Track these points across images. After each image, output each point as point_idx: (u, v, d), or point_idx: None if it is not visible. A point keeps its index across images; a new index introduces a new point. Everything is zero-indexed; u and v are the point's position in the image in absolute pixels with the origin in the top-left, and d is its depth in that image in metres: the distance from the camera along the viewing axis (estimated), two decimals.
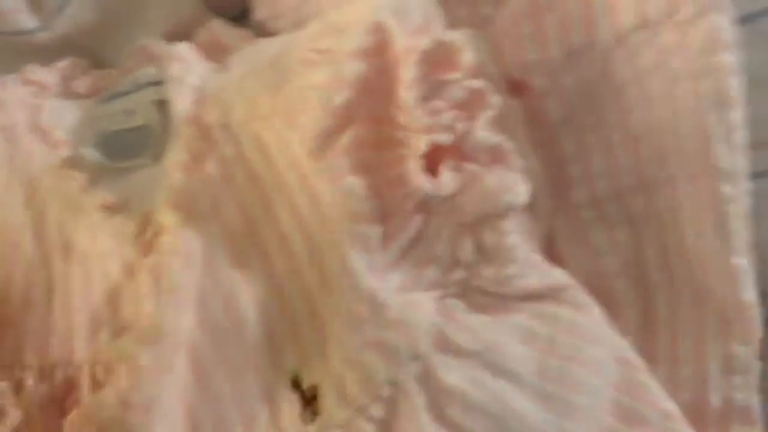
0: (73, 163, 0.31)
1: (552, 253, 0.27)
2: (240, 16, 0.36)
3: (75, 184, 0.30)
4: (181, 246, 0.25)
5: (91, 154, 0.31)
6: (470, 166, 0.23)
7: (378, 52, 0.23)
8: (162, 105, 0.30)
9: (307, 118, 0.24)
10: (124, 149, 0.31)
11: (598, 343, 0.23)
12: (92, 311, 0.27)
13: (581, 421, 0.22)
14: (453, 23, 0.25)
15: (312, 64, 0.25)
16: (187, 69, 0.29)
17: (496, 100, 0.23)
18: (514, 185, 0.23)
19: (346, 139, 0.23)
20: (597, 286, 0.25)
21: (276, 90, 0.26)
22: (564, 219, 0.28)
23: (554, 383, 0.22)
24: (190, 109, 0.28)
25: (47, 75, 0.35)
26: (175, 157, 0.27)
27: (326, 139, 0.23)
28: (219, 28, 0.35)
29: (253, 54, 0.29)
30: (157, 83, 0.31)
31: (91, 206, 0.29)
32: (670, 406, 0.23)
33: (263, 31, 0.33)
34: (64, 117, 0.33)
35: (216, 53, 0.32)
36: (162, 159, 0.29)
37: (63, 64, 0.35)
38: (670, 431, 0.22)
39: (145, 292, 0.24)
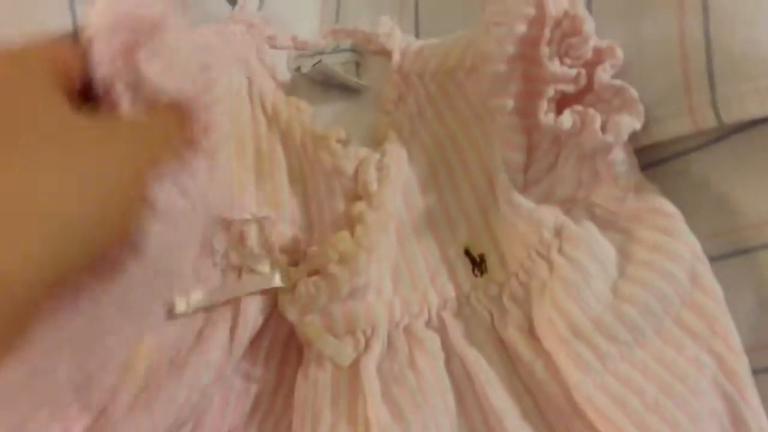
0: (296, 88, 0.39)
1: None
2: None
3: (306, 117, 0.37)
4: (395, 153, 0.36)
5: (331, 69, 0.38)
6: (588, 110, 0.31)
7: (537, 21, 0.31)
8: (357, 66, 0.39)
9: (488, 68, 0.32)
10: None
11: (674, 260, 0.30)
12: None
13: (640, 311, 0.30)
14: None
15: (492, 29, 0.32)
16: (396, 35, 0.38)
17: (620, 53, 0.31)
18: (617, 126, 0.30)
19: (512, 87, 0.32)
20: None
21: (462, 51, 0.36)
22: None
23: (628, 281, 0.31)
24: (397, 60, 0.37)
25: (255, 17, 0.40)
26: (388, 95, 0.37)
27: (499, 83, 0.32)
28: None
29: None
30: (355, 51, 0.40)
31: (329, 137, 0.36)
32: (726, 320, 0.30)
33: None
34: (276, 60, 0.40)
35: None
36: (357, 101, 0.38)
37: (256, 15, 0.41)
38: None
39: (372, 179, 0.35)
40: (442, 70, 0.36)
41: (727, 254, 0.33)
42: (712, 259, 0.33)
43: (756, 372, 0.31)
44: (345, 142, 0.36)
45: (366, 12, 0.47)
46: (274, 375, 0.34)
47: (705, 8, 0.31)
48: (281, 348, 0.35)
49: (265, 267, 0.34)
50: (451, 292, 0.34)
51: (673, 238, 0.31)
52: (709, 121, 0.31)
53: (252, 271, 0.34)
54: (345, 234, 0.33)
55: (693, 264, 0.31)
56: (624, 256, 0.32)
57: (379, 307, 0.33)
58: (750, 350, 0.31)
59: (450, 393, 0.31)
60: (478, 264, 0.34)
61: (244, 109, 0.37)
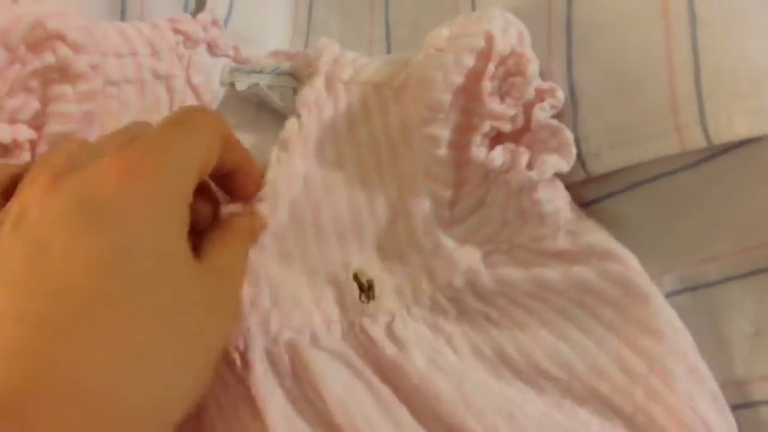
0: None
1: None
2: None
3: None
4: (291, 167, 0.33)
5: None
6: (519, 148, 0.29)
7: (484, 54, 0.30)
8: (295, 94, 0.35)
9: (427, 95, 0.30)
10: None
11: (610, 305, 0.29)
12: None
13: (578, 353, 0.29)
14: None
15: (436, 55, 0.31)
16: (332, 46, 0.35)
17: (561, 95, 0.30)
18: (542, 165, 0.29)
19: (451, 118, 0.30)
20: None
21: (395, 69, 0.33)
22: None
23: (563, 328, 0.30)
24: (327, 64, 0.34)
25: (195, 26, 0.37)
26: (305, 96, 0.33)
27: (439, 112, 0.30)
28: None
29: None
30: (294, 76, 0.36)
31: None
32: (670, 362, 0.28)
33: None
34: (209, 73, 0.37)
35: None
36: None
37: (205, 16, 0.37)
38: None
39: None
40: (370, 82, 0.34)
41: (720, 280, 0.31)
42: (703, 285, 0.32)
43: (744, 406, 0.30)
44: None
45: (335, 25, 0.44)
46: None
47: (692, 20, 0.28)
48: None
49: None
50: (335, 315, 0.32)
51: (605, 278, 0.30)
52: (697, 142, 0.28)
53: None
54: None
55: (626, 301, 0.30)
56: (557, 295, 0.30)
57: (252, 318, 0.31)
58: (743, 382, 0.30)
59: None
60: (365, 290, 0.32)
61: None
